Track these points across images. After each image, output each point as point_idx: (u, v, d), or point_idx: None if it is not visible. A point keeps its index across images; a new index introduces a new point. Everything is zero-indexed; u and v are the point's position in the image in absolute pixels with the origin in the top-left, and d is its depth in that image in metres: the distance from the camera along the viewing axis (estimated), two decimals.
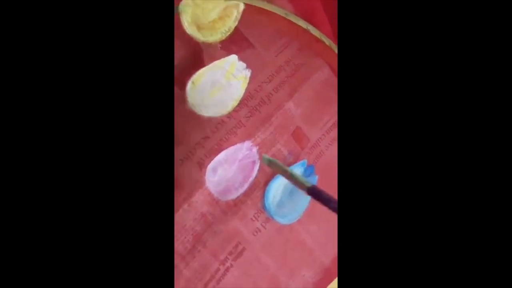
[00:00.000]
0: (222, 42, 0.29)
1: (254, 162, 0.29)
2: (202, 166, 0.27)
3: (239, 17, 0.30)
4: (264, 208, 0.29)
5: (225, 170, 0.28)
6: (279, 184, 0.29)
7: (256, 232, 0.28)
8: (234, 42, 0.30)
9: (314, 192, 0.20)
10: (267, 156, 0.26)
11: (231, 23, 0.30)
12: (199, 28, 0.29)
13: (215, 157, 0.28)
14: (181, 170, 0.26)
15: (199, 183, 0.27)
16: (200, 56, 0.29)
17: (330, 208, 0.19)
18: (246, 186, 0.28)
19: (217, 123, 0.28)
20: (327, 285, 0.30)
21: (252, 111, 0.30)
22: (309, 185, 0.20)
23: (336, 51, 0.36)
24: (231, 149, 0.28)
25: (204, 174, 0.27)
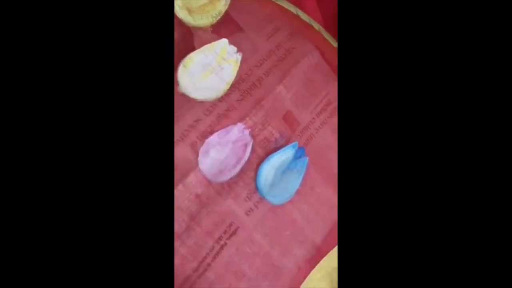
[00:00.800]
0: (213, 26, 0.30)
1: (246, 145, 0.29)
2: (195, 148, 0.27)
3: (229, 0, 0.30)
4: (256, 189, 0.30)
5: (218, 152, 0.28)
6: (271, 166, 0.30)
7: (249, 212, 0.29)
8: (225, 26, 0.30)
9: None
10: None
11: (221, 7, 0.30)
12: (190, 11, 0.29)
13: (207, 139, 0.28)
14: (175, 152, 0.27)
15: (193, 165, 0.27)
16: (190, 40, 0.29)
17: None
18: (238, 168, 0.29)
19: (209, 106, 0.29)
20: (318, 262, 0.30)
21: (243, 94, 0.31)
22: None
23: (326, 36, 0.36)
24: (223, 131, 0.29)
25: (197, 156, 0.27)
